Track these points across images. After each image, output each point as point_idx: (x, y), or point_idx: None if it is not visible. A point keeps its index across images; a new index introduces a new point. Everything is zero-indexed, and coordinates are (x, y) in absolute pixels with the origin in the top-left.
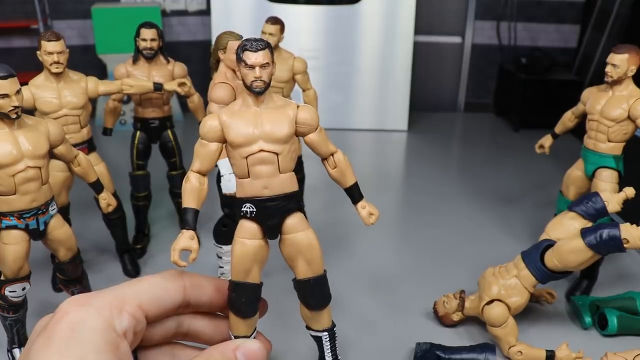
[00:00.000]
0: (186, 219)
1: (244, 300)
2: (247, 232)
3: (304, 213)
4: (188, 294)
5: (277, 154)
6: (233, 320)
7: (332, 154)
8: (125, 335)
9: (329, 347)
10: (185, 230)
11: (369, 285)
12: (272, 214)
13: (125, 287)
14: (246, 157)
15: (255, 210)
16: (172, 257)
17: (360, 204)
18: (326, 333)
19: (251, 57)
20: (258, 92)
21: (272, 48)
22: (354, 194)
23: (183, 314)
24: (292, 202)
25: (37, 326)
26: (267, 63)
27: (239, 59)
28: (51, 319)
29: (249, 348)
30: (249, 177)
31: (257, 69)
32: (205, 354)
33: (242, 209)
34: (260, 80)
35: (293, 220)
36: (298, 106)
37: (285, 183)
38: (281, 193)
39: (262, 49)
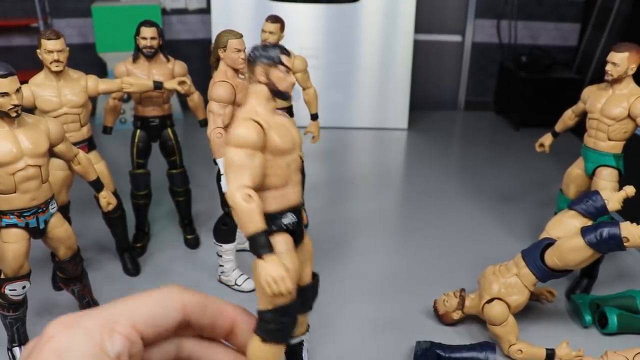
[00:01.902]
0: (266, 243)
1: (289, 321)
2: (285, 244)
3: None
4: (189, 313)
5: (302, 160)
6: (266, 354)
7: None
8: (119, 359)
9: (307, 347)
10: (267, 255)
11: (368, 284)
12: (300, 222)
13: (117, 305)
14: (289, 164)
15: (296, 220)
16: (278, 287)
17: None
18: (307, 333)
19: (288, 62)
20: (289, 98)
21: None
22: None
23: (184, 337)
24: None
25: (23, 352)
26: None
27: (278, 61)
28: (36, 344)
29: None
30: (287, 184)
31: (290, 74)
32: None
33: (284, 222)
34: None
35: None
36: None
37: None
38: (303, 201)
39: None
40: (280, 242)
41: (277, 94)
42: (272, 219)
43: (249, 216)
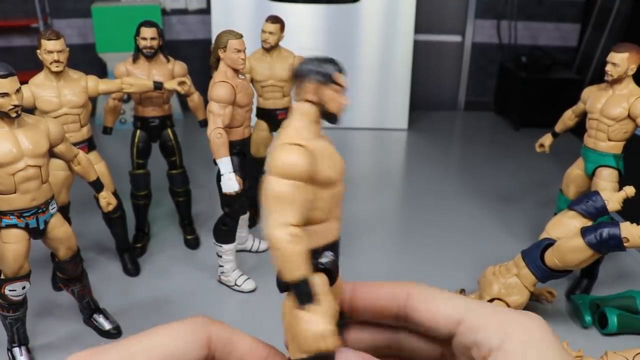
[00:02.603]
0: (312, 292)
1: None
2: (322, 287)
3: None
4: (214, 349)
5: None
6: None
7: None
8: None
9: None
10: (313, 307)
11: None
12: (338, 258)
13: (135, 341)
14: (332, 196)
15: (333, 259)
16: (326, 344)
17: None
18: None
19: (343, 80)
20: (337, 121)
21: None
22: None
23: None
24: None
25: None
26: None
27: (330, 80)
28: None
29: None
30: (329, 220)
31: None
32: None
33: (321, 261)
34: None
35: None
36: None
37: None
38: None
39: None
40: (317, 285)
41: (326, 115)
42: (312, 257)
43: (294, 261)
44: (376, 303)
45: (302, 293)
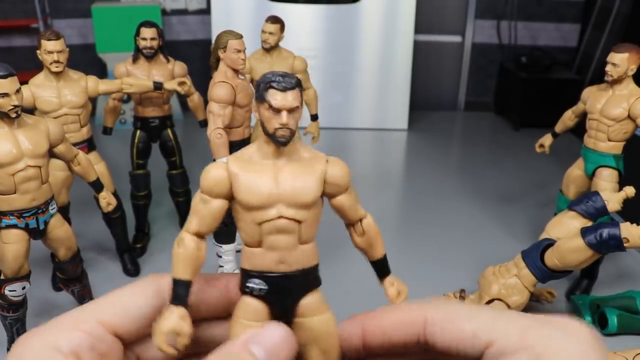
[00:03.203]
0: (178, 294)
1: None
2: (252, 314)
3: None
4: (166, 297)
5: (299, 221)
6: None
7: (361, 220)
8: (78, 355)
9: None
10: (174, 307)
11: (368, 285)
12: (285, 293)
13: (87, 305)
14: (260, 224)
15: (266, 288)
16: (156, 341)
17: (387, 280)
18: None
19: (278, 98)
20: (283, 143)
21: (301, 86)
22: (382, 268)
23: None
24: (311, 279)
25: None
26: (298, 107)
27: (261, 98)
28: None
29: (267, 337)
30: (260, 247)
31: (284, 114)
32: (209, 358)
33: (248, 285)
34: (287, 128)
35: (310, 301)
36: (327, 160)
37: (306, 256)
38: (300, 268)
39: (292, 88)
40: (244, 305)
41: (269, 136)
42: (243, 278)
43: (174, 262)
44: (392, 338)
45: (172, 291)
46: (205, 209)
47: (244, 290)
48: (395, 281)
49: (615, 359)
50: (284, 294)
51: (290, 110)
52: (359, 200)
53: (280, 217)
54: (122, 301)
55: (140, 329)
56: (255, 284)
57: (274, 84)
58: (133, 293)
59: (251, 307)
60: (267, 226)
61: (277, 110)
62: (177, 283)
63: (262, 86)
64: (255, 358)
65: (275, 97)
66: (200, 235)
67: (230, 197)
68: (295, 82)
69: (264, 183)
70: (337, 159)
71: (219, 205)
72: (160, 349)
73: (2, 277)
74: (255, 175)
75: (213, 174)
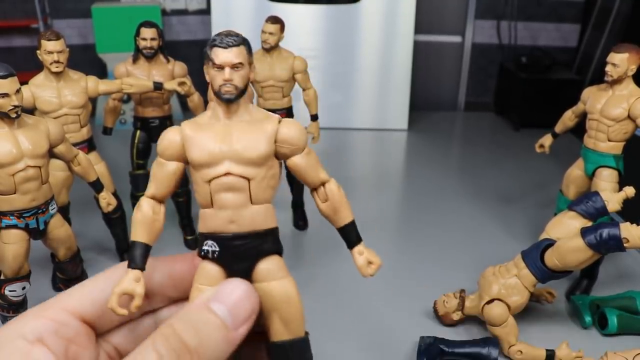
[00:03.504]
0: (133, 255)
1: None
2: (208, 278)
3: (281, 253)
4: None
5: (248, 179)
6: None
7: (323, 184)
8: (43, 340)
9: None
10: (130, 269)
11: (368, 285)
12: (239, 256)
13: (58, 295)
14: (209, 182)
15: (218, 250)
16: (109, 302)
17: (356, 249)
18: None
19: (220, 55)
20: (227, 99)
21: (249, 46)
22: (350, 235)
23: (156, 309)
24: (268, 243)
25: None
26: (241, 63)
27: (206, 57)
28: None
29: (226, 293)
30: (212, 207)
31: (226, 70)
32: (169, 323)
33: (203, 248)
34: (231, 84)
35: (267, 266)
36: (280, 121)
37: (259, 217)
38: (252, 230)
39: (234, 45)
40: (201, 270)
41: (216, 94)
42: (199, 242)
43: (132, 226)
44: None
45: (129, 253)
46: (160, 172)
47: (200, 254)
48: (365, 250)
49: (615, 359)
50: (237, 256)
51: (234, 67)
52: (323, 168)
53: (227, 173)
54: (88, 288)
55: (108, 314)
56: (209, 245)
57: (217, 42)
58: (99, 280)
59: (207, 270)
60: (216, 183)
61: (220, 67)
62: (133, 245)
63: (207, 47)
64: (217, 315)
65: (218, 55)
66: (157, 200)
67: (184, 160)
68: (238, 41)
69: (212, 140)
70: (291, 120)
71: (173, 167)
72: (112, 310)
73: (2, 277)
74: (205, 135)
75: (167, 137)
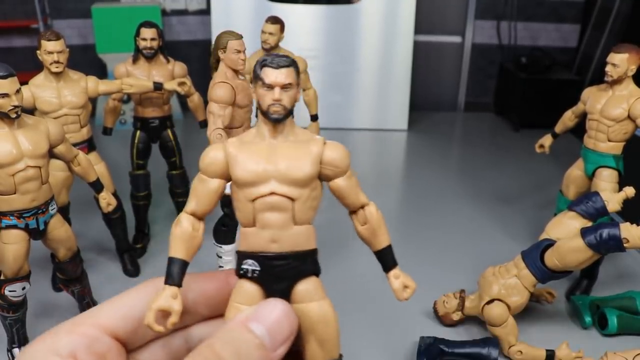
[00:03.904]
0: (171, 272)
1: None
2: (246, 297)
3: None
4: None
5: (292, 199)
6: None
7: (363, 207)
8: (76, 356)
9: None
10: (167, 286)
11: (368, 285)
12: (279, 276)
13: (86, 311)
14: (253, 200)
15: (259, 269)
16: (147, 318)
17: (393, 273)
18: None
19: (270, 75)
20: (275, 119)
21: (298, 68)
22: (386, 259)
23: (187, 326)
24: (307, 264)
25: None
26: (290, 84)
27: (256, 77)
28: None
29: (266, 313)
30: (254, 226)
31: (276, 89)
32: (208, 343)
33: (242, 267)
34: (280, 104)
35: (306, 287)
36: (325, 142)
37: (300, 238)
38: (293, 250)
39: (285, 66)
40: (239, 288)
41: (264, 114)
42: (238, 260)
43: (171, 242)
44: None
45: (167, 270)
46: (202, 189)
47: (239, 272)
48: (401, 274)
49: (615, 359)
50: (277, 276)
51: (283, 87)
52: (362, 189)
53: (272, 193)
54: (119, 304)
55: (139, 331)
56: (249, 264)
57: (268, 62)
58: (130, 296)
59: (245, 289)
60: (260, 203)
61: (270, 87)
62: (171, 261)
63: (257, 66)
64: (255, 335)
65: (268, 74)
66: (197, 216)
67: (227, 177)
68: (288, 62)
69: (257, 160)
70: (336, 142)
71: (215, 185)
72: (149, 326)
73: (2, 278)
74: (250, 154)
75: (211, 155)
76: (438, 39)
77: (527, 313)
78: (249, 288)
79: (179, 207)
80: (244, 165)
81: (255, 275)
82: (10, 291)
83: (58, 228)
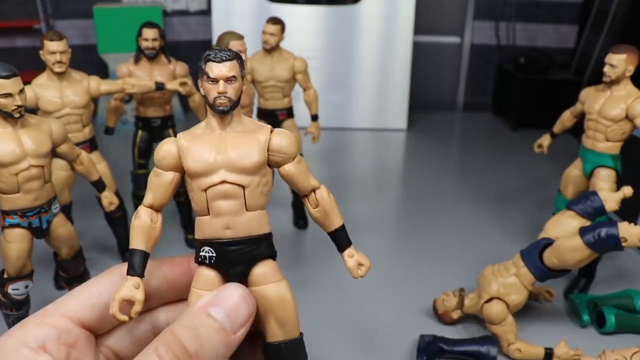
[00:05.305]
0: (132, 263)
1: None
2: (205, 283)
3: (275, 257)
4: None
5: (243, 186)
6: None
7: (314, 190)
8: (46, 348)
9: None
10: (129, 276)
11: (368, 284)
12: (235, 260)
13: (54, 301)
14: (205, 190)
15: (215, 255)
16: (111, 308)
17: (347, 252)
18: None
19: (214, 69)
20: (222, 111)
21: (242, 60)
22: (340, 239)
23: (153, 309)
24: (262, 248)
25: None
26: (234, 77)
27: (201, 72)
28: None
29: (224, 298)
30: (208, 214)
31: (221, 83)
32: (170, 329)
33: (200, 254)
34: (225, 96)
35: (262, 270)
36: (272, 130)
37: (253, 223)
38: (247, 235)
39: (228, 60)
40: (199, 275)
41: (210, 107)
42: (196, 249)
43: (131, 234)
44: None
45: (128, 261)
46: (157, 182)
47: (197, 260)
48: (355, 253)
49: (613, 358)
50: (233, 261)
51: (227, 80)
52: (313, 175)
53: (223, 181)
54: (87, 293)
55: (107, 318)
56: (205, 251)
57: (211, 57)
58: (97, 284)
59: (204, 276)
60: (212, 192)
61: (215, 80)
62: (132, 253)
63: (202, 61)
64: (215, 319)
65: (212, 69)
66: (155, 209)
67: (181, 170)
68: (231, 55)
69: (207, 150)
70: (283, 130)
71: (169, 177)
72: (114, 316)
73: (5, 276)
74: (201, 145)
75: (164, 149)
76: (437, 39)
77: (526, 311)
78: (208, 274)
79: (180, 206)
80: (195, 157)
81: (212, 261)
82: (13, 289)
83: (61, 227)
